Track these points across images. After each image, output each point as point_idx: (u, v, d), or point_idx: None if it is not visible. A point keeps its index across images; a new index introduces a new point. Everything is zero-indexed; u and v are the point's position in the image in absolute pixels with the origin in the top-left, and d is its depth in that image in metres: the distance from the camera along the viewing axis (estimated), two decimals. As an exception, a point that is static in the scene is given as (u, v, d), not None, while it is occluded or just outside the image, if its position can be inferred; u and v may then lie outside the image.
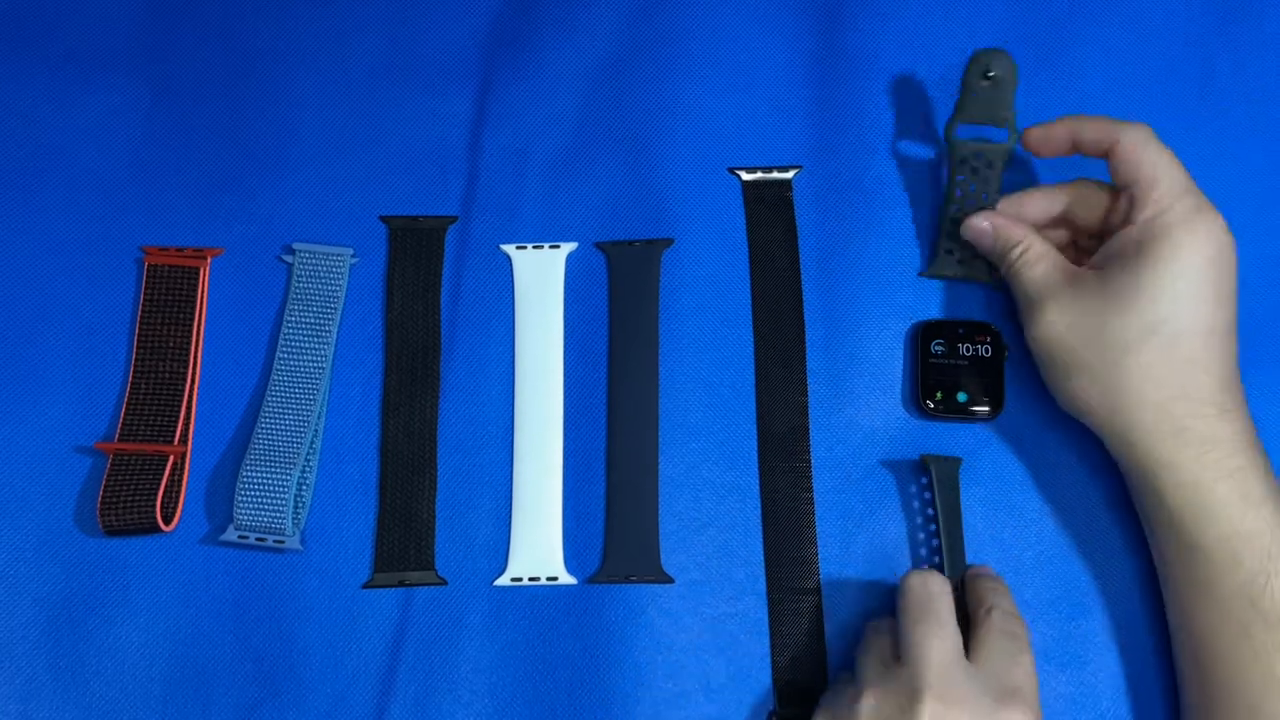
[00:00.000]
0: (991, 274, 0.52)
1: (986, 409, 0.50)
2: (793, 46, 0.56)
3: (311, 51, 0.57)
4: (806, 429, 0.51)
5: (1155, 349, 0.43)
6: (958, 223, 0.51)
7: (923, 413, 0.51)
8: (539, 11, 0.57)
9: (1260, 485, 0.42)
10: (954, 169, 0.51)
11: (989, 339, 0.51)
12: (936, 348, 0.51)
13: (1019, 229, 0.48)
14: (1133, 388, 0.44)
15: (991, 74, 0.48)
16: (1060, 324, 0.46)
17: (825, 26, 0.56)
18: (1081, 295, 0.45)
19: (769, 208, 0.54)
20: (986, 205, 0.50)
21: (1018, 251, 0.48)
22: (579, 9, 0.57)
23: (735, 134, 0.55)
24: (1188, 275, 0.43)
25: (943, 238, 0.52)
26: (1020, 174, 0.54)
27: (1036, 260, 0.47)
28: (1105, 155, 0.47)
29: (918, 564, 0.49)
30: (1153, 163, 0.45)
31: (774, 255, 0.53)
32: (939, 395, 0.50)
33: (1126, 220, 0.46)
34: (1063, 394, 0.47)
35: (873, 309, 0.52)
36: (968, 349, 0.51)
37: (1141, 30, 0.56)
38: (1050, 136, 0.48)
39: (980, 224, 0.49)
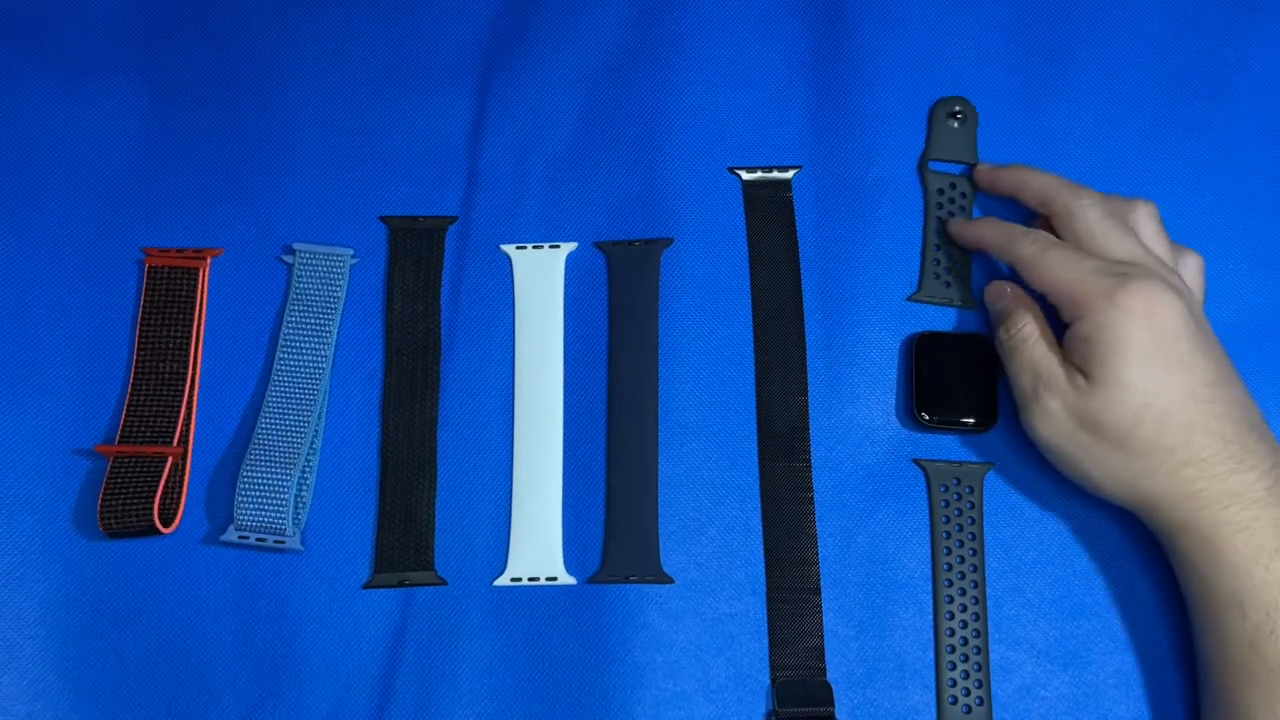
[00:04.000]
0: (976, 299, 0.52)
1: (981, 423, 0.50)
2: (793, 47, 0.56)
3: (311, 52, 0.57)
4: (806, 429, 0.51)
5: (1150, 425, 0.44)
6: (939, 248, 0.53)
7: (919, 425, 0.50)
8: (539, 11, 0.57)
9: (1276, 537, 0.42)
10: (930, 199, 0.53)
11: (983, 351, 0.51)
12: (929, 361, 0.51)
13: (1032, 304, 0.49)
14: (1139, 465, 0.44)
15: (958, 113, 0.54)
16: (1060, 416, 0.46)
17: (825, 27, 0.56)
18: (1072, 386, 0.45)
19: (769, 208, 0.54)
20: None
21: (1024, 324, 0.48)
22: (579, 9, 0.57)
23: (735, 134, 0.55)
24: (1145, 355, 0.44)
25: (927, 263, 0.52)
26: (986, 199, 0.54)
27: (1040, 337, 0.47)
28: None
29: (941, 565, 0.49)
30: (1051, 269, 0.46)
31: (774, 255, 0.53)
32: (933, 409, 0.50)
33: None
34: (1074, 477, 0.47)
35: (873, 309, 0.52)
36: (961, 361, 0.51)
37: (1142, 27, 0.56)
38: (964, 238, 0.52)
39: (1004, 287, 0.50)
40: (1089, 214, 0.47)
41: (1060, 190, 0.49)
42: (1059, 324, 0.47)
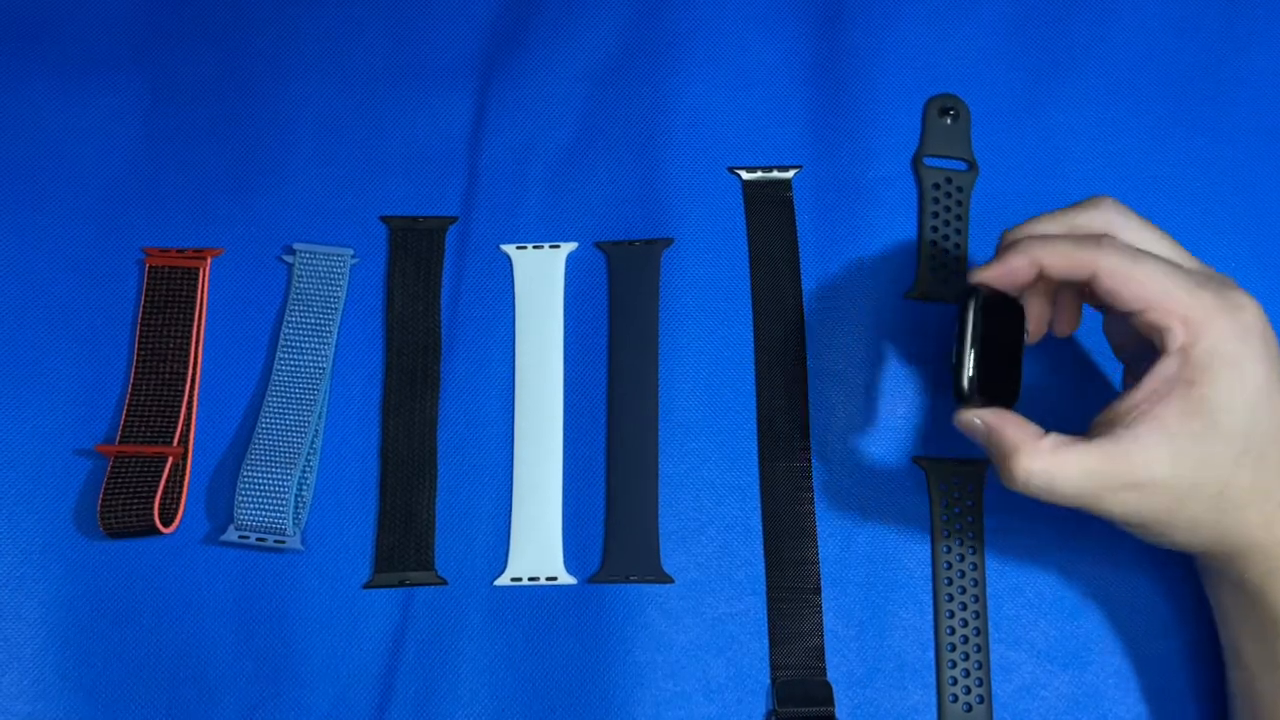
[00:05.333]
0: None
1: (1011, 404, 0.43)
2: (793, 46, 0.56)
3: (311, 51, 0.57)
4: (806, 429, 0.51)
5: (1248, 469, 0.38)
6: (935, 244, 0.52)
7: (960, 401, 0.42)
8: (539, 11, 0.57)
9: None
10: (925, 195, 0.53)
11: (1019, 318, 0.43)
12: (987, 331, 0.41)
13: (1016, 429, 0.40)
14: (1234, 517, 0.39)
15: (950, 110, 0.54)
16: (1143, 502, 0.39)
17: (825, 27, 0.56)
18: (1148, 461, 0.38)
19: (769, 208, 0.54)
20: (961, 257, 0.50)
21: (1026, 467, 0.39)
22: (579, 8, 0.57)
23: (735, 134, 0.55)
24: (1255, 381, 0.38)
25: (923, 259, 0.52)
26: (987, 199, 0.54)
27: (1058, 466, 0.39)
28: (1086, 283, 0.41)
29: (940, 563, 0.49)
30: (1150, 279, 0.39)
31: (774, 255, 0.53)
32: (986, 391, 0.41)
33: (1149, 344, 0.40)
34: (1161, 543, 0.42)
35: (873, 308, 0.52)
36: (1003, 332, 0.43)
37: (1144, 26, 0.56)
38: (1012, 272, 0.41)
39: (972, 421, 0.42)
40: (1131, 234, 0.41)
41: (1084, 249, 0.40)
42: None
